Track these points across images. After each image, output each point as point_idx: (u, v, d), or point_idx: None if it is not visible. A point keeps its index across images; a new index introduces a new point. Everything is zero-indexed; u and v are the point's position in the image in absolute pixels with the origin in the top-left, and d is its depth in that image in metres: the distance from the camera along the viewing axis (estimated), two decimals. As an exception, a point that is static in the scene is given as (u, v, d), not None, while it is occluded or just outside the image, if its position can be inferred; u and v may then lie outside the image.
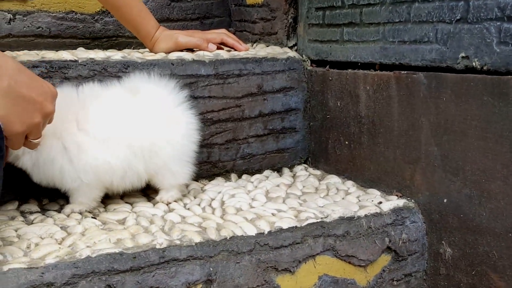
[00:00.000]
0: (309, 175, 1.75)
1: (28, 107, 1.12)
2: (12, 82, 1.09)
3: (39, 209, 1.46)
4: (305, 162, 1.87)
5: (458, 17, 1.27)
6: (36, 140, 1.20)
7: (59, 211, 1.45)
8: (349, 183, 1.64)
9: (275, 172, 1.81)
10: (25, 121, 1.13)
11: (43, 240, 1.25)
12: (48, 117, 1.19)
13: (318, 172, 1.78)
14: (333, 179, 1.69)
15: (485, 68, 1.22)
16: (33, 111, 1.14)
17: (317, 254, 1.31)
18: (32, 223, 1.36)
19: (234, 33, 2.14)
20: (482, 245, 1.27)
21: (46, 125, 1.22)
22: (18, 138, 1.15)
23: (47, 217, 1.40)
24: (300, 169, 1.82)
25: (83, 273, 1.10)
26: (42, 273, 1.07)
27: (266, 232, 1.29)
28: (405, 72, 1.43)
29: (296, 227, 1.32)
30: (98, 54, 1.66)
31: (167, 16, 2.20)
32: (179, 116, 1.48)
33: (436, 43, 1.33)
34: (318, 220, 1.35)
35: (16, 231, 1.29)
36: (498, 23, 1.18)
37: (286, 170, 1.81)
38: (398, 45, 1.45)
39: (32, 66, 1.47)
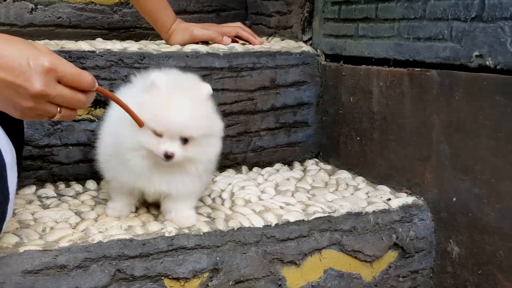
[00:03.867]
0: (320, 169, 1.76)
1: (11, 93, 1.01)
2: None
3: (55, 194, 1.50)
4: (316, 157, 1.87)
5: (473, 15, 1.27)
6: (56, 117, 1.06)
7: (74, 196, 1.49)
8: (359, 179, 1.64)
9: (286, 165, 1.82)
10: (18, 108, 1.03)
11: (58, 224, 1.29)
12: (41, 97, 1.02)
13: (328, 167, 1.78)
14: (344, 174, 1.69)
15: (498, 67, 1.22)
16: (18, 95, 1.01)
17: (323, 248, 1.32)
18: (48, 208, 1.39)
19: (250, 26, 2.16)
20: (489, 245, 1.27)
21: (63, 99, 1.05)
22: (30, 119, 1.10)
23: (63, 202, 1.44)
24: (311, 163, 1.82)
25: (95, 257, 1.14)
26: (56, 255, 1.12)
27: (273, 225, 1.30)
28: (419, 69, 1.43)
29: (303, 220, 1.33)
30: (115, 45, 1.68)
31: (184, 8, 2.22)
32: None
33: (451, 41, 1.33)
34: (326, 215, 1.36)
35: (32, 214, 1.33)
36: (513, 23, 1.18)
37: (297, 164, 1.82)
38: (412, 41, 1.45)
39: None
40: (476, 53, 1.27)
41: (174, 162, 1.19)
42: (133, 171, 1.22)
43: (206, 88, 1.23)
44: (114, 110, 1.27)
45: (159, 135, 1.17)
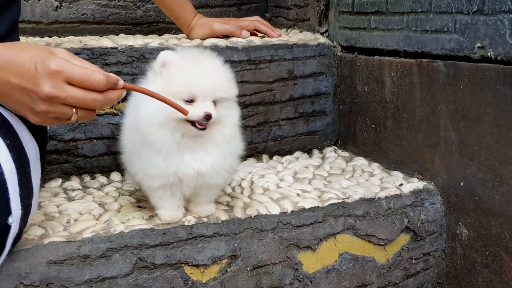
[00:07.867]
0: (338, 156, 1.82)
1: (25, 98, 1.03)
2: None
3: (80, 186, 1.56)
4: (334, 144, 1.93)
5: (475, 9, 1.32)
6: (73, 119, 1.06)
7: (99, 188, 1.55)
8: (375, 165, 1.70)
9: (305, 153, 1.88)
10: (34, 112, 1.05)
11: (82, 215, 1.35)
12: (52, 100, 1.03)
13: (346, 154, 1.84)
14: (360, 161, 1.75)
15: (499, 58, 1.27)
16: (31, 100, 1.04)
17: (338, 233, 1.39)
18: (73, 200, 1.46)
19: (270, 19, 2.22)
20: (495, 227, 1.32)
21: (75, 100, 1.04)
22: (50, 124, 1.12)
23: (87, 194, 1.50)
24: (329, 151, 1.88)
25: (117, 247, 1.20)
26: (79, 246, 1.18)
27: (289, 212, 1.37)
28: (426, 60, 1.48)
29: (318, 207, 1.39)
30: (137, 41, 1.74)
31: (205, 2, 2.28)
32: None
33: (455, 33, 1.39)
34: (340, 201, 1.43)
35: (58, 207, 1.40)
36: (511, 16, 1.23)
37: (316, 152, 1.88)
38: (420, 34, 1.50)
39: (75, 53, 1.54)
40: (478, 44, 1.32)
41: (210, 123, 1.20)
42: (161, 150, 1.22)
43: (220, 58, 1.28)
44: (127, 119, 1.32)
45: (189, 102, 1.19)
